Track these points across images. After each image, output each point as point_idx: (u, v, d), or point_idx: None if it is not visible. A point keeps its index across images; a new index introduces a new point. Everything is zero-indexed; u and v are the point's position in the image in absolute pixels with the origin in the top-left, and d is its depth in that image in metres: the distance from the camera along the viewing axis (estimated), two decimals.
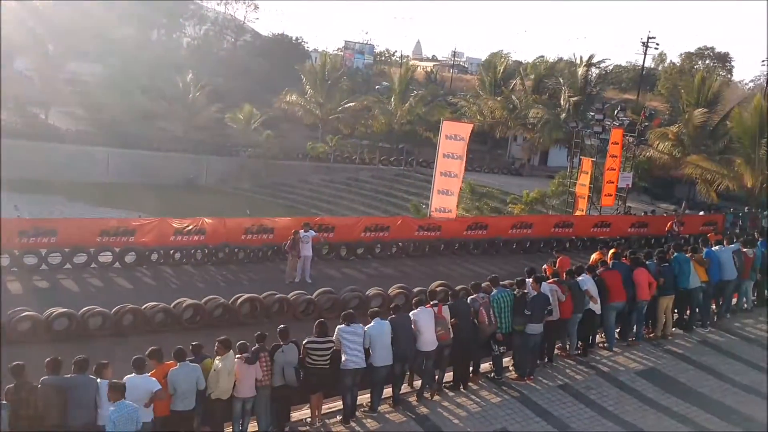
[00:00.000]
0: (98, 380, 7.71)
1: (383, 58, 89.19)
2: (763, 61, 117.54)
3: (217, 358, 8.65)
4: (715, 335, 12.76)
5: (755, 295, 14.13)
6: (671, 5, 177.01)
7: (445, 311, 10.32)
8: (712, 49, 73.72)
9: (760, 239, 13.89)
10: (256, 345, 9.02)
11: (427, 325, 10.00)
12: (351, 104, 51.37)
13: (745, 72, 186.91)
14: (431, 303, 10.40)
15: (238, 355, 8.76)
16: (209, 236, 18.99)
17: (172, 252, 18.57)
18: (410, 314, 10.14)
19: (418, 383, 10.53)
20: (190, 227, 18.88)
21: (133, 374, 7.80)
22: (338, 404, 9.93)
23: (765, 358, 11.73)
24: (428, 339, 10.00)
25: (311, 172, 47.35)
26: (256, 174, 46.15)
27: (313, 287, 16.07)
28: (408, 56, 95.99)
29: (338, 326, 9.54)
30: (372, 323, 9.72)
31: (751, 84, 66.75)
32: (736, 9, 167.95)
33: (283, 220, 20.76)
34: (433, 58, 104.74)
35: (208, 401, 8.65)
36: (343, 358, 9.42)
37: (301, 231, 17.54)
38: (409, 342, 9.89)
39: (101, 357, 8.19)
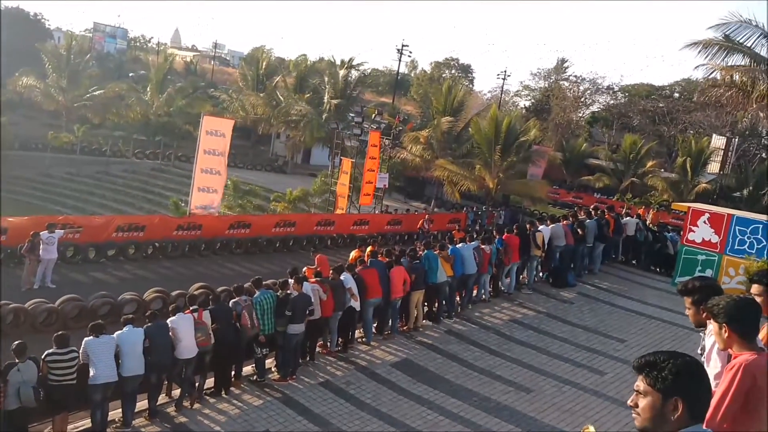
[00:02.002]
0: None
1: (138, 44, 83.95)
2: (498, 74, 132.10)
3: None
4: (459, 325, 13.98)
5: (491, 286, 15.77)
6: (422, 17, 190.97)
7: (206, 316, 9.99)
8: (457, 60, 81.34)
9: (497, 237, 15.50)
10: None
11: (186, 331, 9.59)
12: (101, 91, 47.21)
13: (484, 83, 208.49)
14: (191, 308, 9.99)
15: None
16: None
17: None
18: (168, 321, 9.65)
19: (177, 392, 10.06)
20: None
21: None
22: (86, 422, 9.11)
23: (499, 343, 13.13)
24: (187, 346, 9.61)
25: (54, 164, 42.68)
26: None
27: (57, 294, 14.46)
28: (166, 44, 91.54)
29: (85, 338, 8.74)
30: (123, 330, 9.08)
31: (489, 95, 74.60)
32: (478, 25, 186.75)
33: (18, 220, 18.39)
34: (193, 48, 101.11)
35: None
36: (91, 372, 8.66)
37: (44, 232, 15.75)
38: (167, 350, 9.41)
39: None
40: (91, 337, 8.74)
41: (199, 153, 20.66)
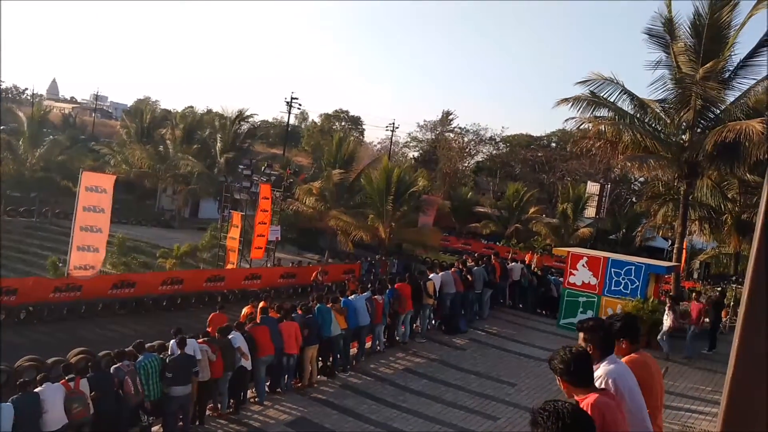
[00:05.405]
0: None
1: (11, 96, 79.81)
2: (387, 126, 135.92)
3: None
4: (354, 378, 13.83)
5: (386, 337, 15.79)
6: (311, 72, 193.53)
7: (83, 384, 9.34)
8: (347, 112, 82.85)
9: (389, 288, 15.62)
10: None
11: (53, 402, 8.89)
12: None
13: (374, 134, 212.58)
14: (67, 377, 9.31)
15: None
16: None
17: None
18: (36, 390, 8.94)
19: None
20: None
21: None
22: None
23: (395, 394, 13.09)
24: (54, 417, 8.88)
25: None
26: None
27: None
28: (42, 95, 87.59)
29: None
30: None
31: (378, 146, 76.22)
32: (366, 83, 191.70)
33: None
34: (72, 100, 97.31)
35: None
36: None
37: None
38: (35, 424, 8.67)
39: None
40: None
41: (78, 210, 19.67)
